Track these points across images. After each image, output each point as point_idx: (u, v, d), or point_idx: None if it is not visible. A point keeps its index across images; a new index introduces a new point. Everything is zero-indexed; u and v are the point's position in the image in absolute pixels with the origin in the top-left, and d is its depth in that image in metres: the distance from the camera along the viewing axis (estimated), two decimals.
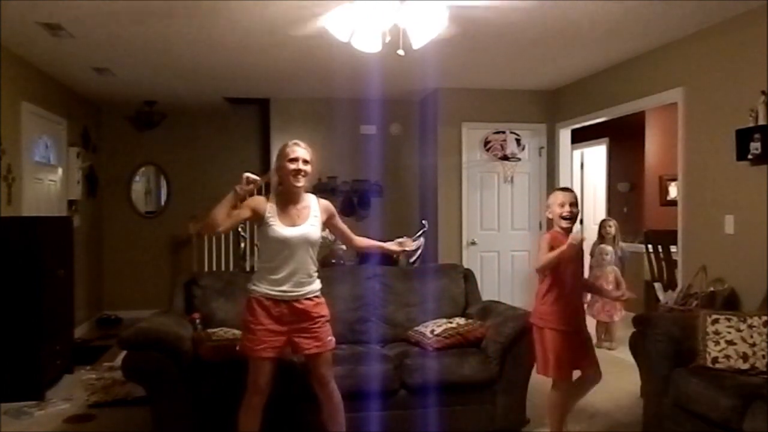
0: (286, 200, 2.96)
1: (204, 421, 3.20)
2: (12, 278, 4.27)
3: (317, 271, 3.04)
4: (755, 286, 3.82)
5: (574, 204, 3.24)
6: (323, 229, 3.11)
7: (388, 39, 3.51)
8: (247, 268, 5.86)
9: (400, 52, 3.64)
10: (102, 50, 4.93)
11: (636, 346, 3.50)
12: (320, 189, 7.07)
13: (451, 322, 3.74)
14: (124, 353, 3.36)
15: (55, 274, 4.61)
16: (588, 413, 3.93)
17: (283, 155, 2.94)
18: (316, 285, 3.01)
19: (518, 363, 3.54)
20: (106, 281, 7.61)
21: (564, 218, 3.21)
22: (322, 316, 2.99)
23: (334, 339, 3.05)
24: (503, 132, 6.59)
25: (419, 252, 5.11)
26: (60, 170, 6.14)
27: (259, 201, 2.94)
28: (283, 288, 2.88)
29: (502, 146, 6.58)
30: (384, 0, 3.36)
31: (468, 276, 4.32)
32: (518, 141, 6.62)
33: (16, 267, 4.27)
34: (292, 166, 2.90)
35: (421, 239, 5.11)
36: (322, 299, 3.04)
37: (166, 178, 7.84)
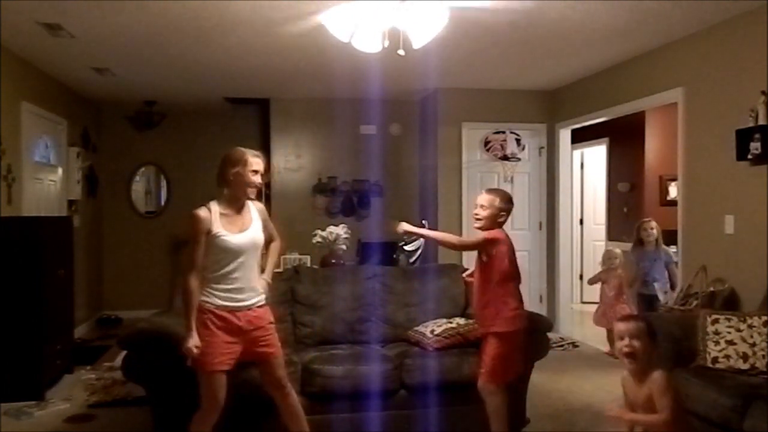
0: (229, 206, 2.89)
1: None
2: (12, 278, 4.27)
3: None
4: (755, 286, 3.81)
5: (483, 206, 3.20)
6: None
7: (387, 40, 3.52)
8: None
9: (401, 52, 3.64)
10: (102, 50, 4.93)
11: None
12: (320, 189, 7.11)
13: (451, 322, 3.73)
14: (124, 353, 3.36)
15: (55, 274, 4.61)
16: (588, 413, 3.94)
17: (243, 162, 2.86)
18: (263, 291, 2.98)
19: None
20: (106, 281, 7.61)
21: (473, 218, 3.26)
22: (272, 323, 2.98)
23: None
24: (503, 132, 6.59)
25: (419, 252, 5.11)
26: (60, 170, 6.14)
27: (204, 220, 2.80)
28: (238, 296, 2.84)
29: (502, 146, 6.59)
30: (384, 0, 3.36)
31: None
32: (518, 141, 6.62)
33: (17, 267, 4.28)
34: (255, 179, 2.88)
35: (421, 239, 5.11)
36: (268, 306, 3.01)
37: (166, 178, 7.85)
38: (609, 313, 5.50)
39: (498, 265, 3.18)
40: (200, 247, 2.79)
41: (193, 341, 2.73)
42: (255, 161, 2.89)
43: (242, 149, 2.93)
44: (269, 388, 2.99)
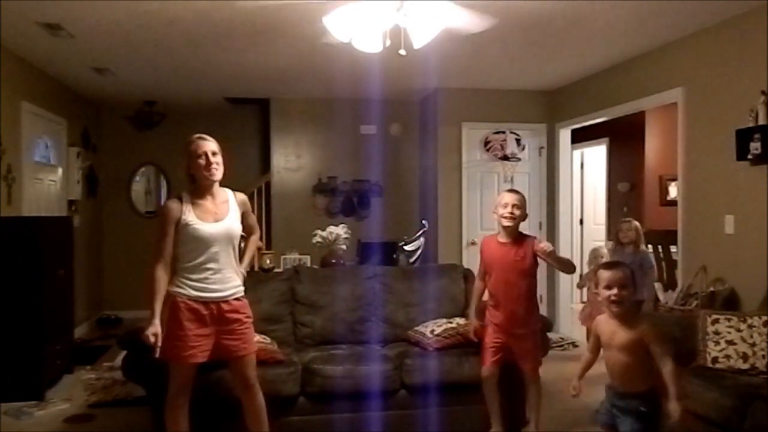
0: (202, 196, 2.86)
1: (203, 420, 3.19)
2: (12, 278, 4.27)
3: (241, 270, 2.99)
4: (755, 286, 3.81)
5: (517, 206, 3.25)
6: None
7: (388, 40, 3.51)
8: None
9: (402, 51, 3.63)
10: (102, 50, 4.93)
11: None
12: (320, 189, 7.11)
13: (451, 322, 3.73)
14: (124, 353, 3.37)
15: (55, 274, 4.61)
16: (588, 412, 3.93)
17: (188, 153, 2.83)
18: (241, 283, 2.95)
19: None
20: (106, 281, 7.61)
21: (504, 218, 3.27)
22: (249, 317, 2.94)
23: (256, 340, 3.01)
24: (503, 132, 6.59)
25: (419, 252, 5.11)
26: (60, 170, 6.14)
27: (172, 210, 2.81)
28: (211, 287, 2.80)
29: (502, 146, 6.58)
30: (384, 0, 3.35)
31: (468, 276, 4.31)
32: (518, 141, 6.62)
33: (17, 267, 4.28)
34: (202, 161, 2.82)
35: (421, 239, 5.11)
36: (246, 300, 2.97)
37: (166, 178, 7.85)
38: (596, 315, 5.27)
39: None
40: (168, 237, 2.77)
41: (153, 329, 2.69)
42: (197, 145, 2.85)
43: (189, 138, 2.90)
44: (237, 387, 2.96)
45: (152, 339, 2.70)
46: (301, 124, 7.12)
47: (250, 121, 7.78)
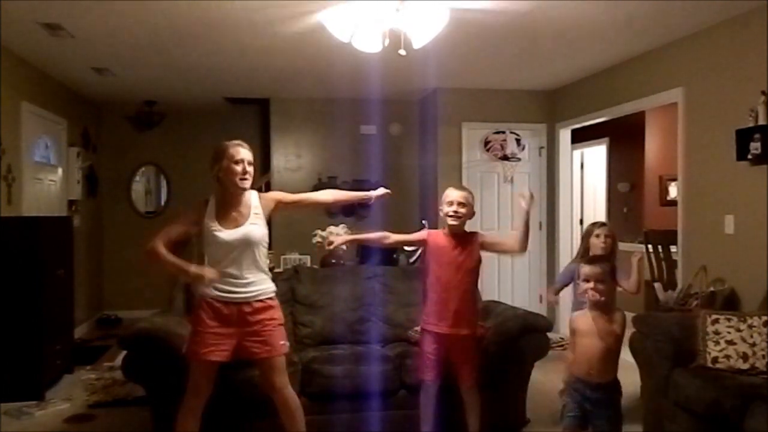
0: (227, 202, 2.89)
1: (203, 420, 3.19)
2: (12, 278, 4.27)
3: (270, 271, 3.01)
4: (755, 286, 3.81)
5: (462, 204, 3.16)
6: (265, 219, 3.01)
7: (387, 40, 3.52)
8: None
9: (402, 51, 3.64)
10: (102, 50, 4.93)
11: (636, 346, 3.50)
12: (320, 189, 7.07)
13: None
14: (124, 353, 3.37)
15: (55, 274, 4.61)
16: None
17: (226, 156, 2.84)
18: (269, 286, 2.95)
19: (518, 363, 3.54)
20: (106, 281, 7.61)
21: (450, 216, 3.18)
22: (274, 320, 2.92)
23: (287, 344, 2.98)
24: (503, 132, 6.59)
25: (419, 252, 5.11)
26: (60, 170, 6.14)
27: (196, 209, 2.89)
28: (233, 290, 2.83)
29: (502, 146, 6.59)
30: (384, 0, 3.36)
31: None
32: (518, 141, 6.62)
33: (17, 267, 4.28)
34: (239, 168, 2.84)
35: None
36: (276, 302, 2.97)
37: (166, 178, 7.85)
38: None
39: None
40: (174, 227, 2.87)
41: (194, 267, 2.77)
42: (236, 151, 2.86)
43: (225, 142, 2.91)
44: (266, 390, 2.97)
45: (209, 272, 2.76)
46: (301, 124, 7.12)
47: (250, 121, 7.77)
